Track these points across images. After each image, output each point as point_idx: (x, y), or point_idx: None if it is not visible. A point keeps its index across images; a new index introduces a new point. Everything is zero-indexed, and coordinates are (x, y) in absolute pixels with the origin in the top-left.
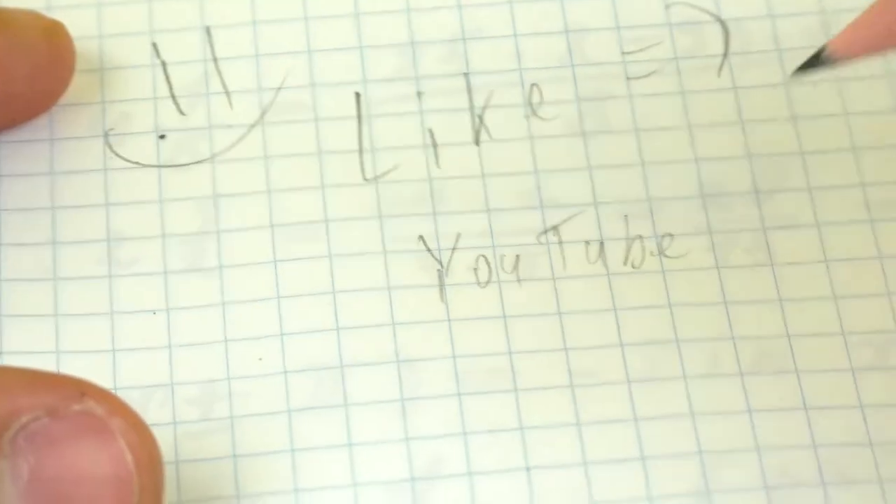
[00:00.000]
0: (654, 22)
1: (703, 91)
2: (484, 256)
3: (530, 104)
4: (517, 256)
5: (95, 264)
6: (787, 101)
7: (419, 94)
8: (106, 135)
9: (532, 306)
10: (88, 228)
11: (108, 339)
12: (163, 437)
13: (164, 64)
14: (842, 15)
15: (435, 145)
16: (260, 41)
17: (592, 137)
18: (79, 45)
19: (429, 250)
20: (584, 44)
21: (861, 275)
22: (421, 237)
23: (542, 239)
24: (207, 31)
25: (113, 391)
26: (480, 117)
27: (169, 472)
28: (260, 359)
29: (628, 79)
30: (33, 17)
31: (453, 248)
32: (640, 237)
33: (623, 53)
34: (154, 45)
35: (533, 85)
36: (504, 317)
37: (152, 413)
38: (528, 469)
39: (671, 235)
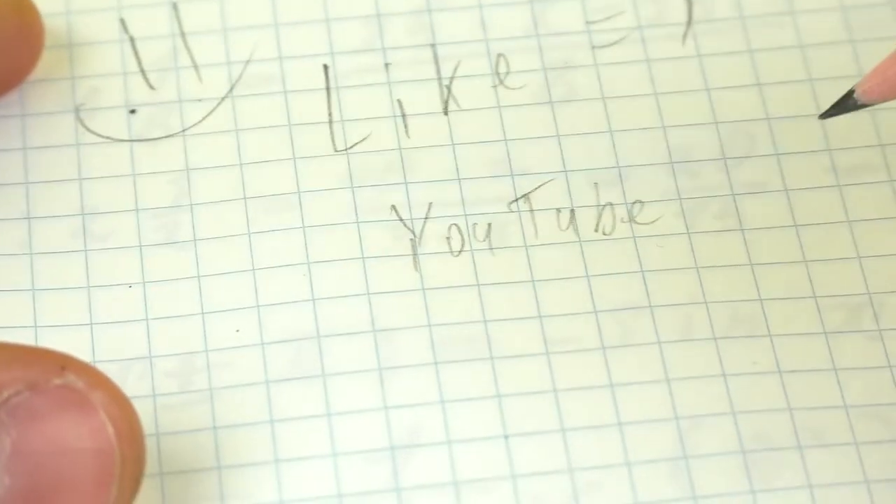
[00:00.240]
0: None
1: (668, 59)
2: (456, 225)
3: (497, 74)
4: (489, 225)
5: (70, 238)
6: (752, 69)
7: (387, 65)
8: (77, 110)
9: (505, 274)
10: (62, 203)
11: (85, 312)
12: (142, 410)
13: (132, 39)
14: None
15: (404, 115)
16: (227, 15)
17: (560, 106)
18: (47, 22)
19: (401, 220)
20: (549, 14)
21: (830, 239)
22: (393, 207)
23: (514, 207)
24: (174, 6)
25: (92, 364)
26: (448, 87)
27: (149, 445)
28: (237, 330)
29: (593, 48)
30: None
31: (425, 218)
32: (611, 204)
33: (587, 23)
34: (122, 21)
35: (499, 55)
36: (478, 285)
37: (131, 386)
38: (506, 437)
39: (641, 202)
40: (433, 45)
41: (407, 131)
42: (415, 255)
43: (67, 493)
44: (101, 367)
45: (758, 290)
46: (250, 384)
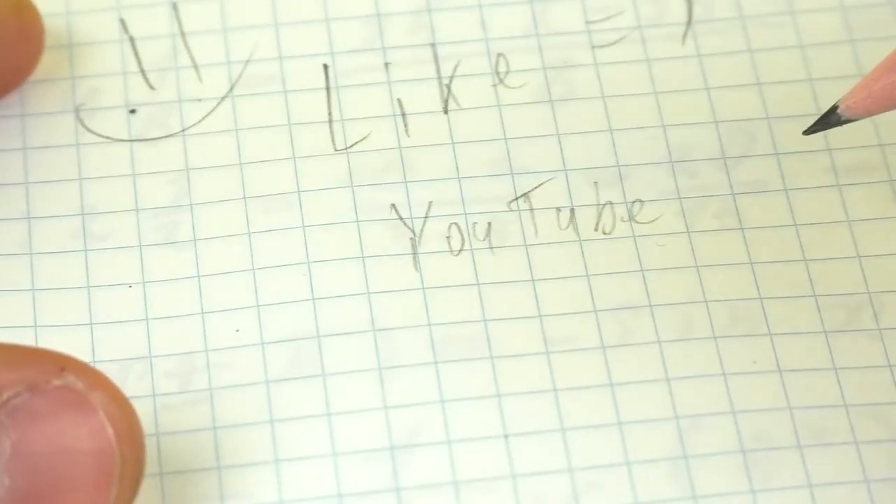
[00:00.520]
0: None
1: (667, 58)
2: (456, 224)
3: (497, 73)
4: (489, 224)
5: (70, 238)
6: (752, 68)
7: (387, 64)
8: (77, 110)
9: (505, 273)
10: (62, 203)
11: (85, 312)
12: (142, 410)
13: (132, 39)
14: None
15: (404, 114)
16: (227, 15)
17: (560, 105)
18: (47, 22)
19: (401, 219)
20: (549, 13)
21: (830, 238)
22: (393, 206)
23: (513, 206)
24: (174, 6)
25: (92, 365)
26: (448, 86)
27: (149, 445)
28: (237, 330)
29: (593, 47)
30: None
31: (425, 217)
32: (611, 203)
33: (587, 23)
34: (122, 21)
35: (499, 55)
36: (478, 284)
37: (131, 386)
38: (506, 436)
39: (641, 201)
40: (433, 45)
41: (407, 130)
42: (414, 254)
43: (67, 493)
44: (100, 368)
45: (758, 289)
46: (250, 384)
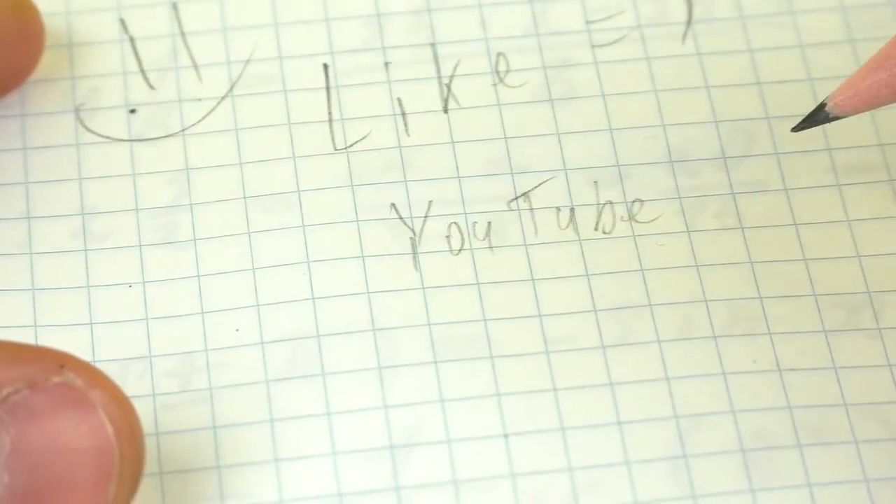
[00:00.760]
0: None
1: (667, 58)
2: (456, 223)
3: (497, 72)
4: (489, 223)
5: (70, 238)
6: (751, 68)
7: (387, 64)
8: (77, 110)
9: (505, 273)
10: (62, 203)
11: (85, 312)
12: (142, 409)
13: (132, 39)
14: None
15: (404, 114)
16: (227, 15)
17: (560, 104)
18: (47, 22)
19: (401, 218)
20: (549, 13)
21: (830, 238)
22: (393, 205)
23: (513, 205)
24: (174, 6)
25: (91, 363)
26: (448, 86)
27: (149, 444)
28: (237, 330)
29: (593, 47)
30: None
31: (425, 216)
32: (611, 202)
33: (587, 22)
34: (122, 21)
35: (499, 54)
36: (478, 284)
37: (131, 385)
38: (505, 436)
39: (641, 201)
40: (433, 45)
41: (407, 130)
42: (414, 253)
43: (66, 491)
44: (100, 367)
45: (757, 288)
46: (250, 383)
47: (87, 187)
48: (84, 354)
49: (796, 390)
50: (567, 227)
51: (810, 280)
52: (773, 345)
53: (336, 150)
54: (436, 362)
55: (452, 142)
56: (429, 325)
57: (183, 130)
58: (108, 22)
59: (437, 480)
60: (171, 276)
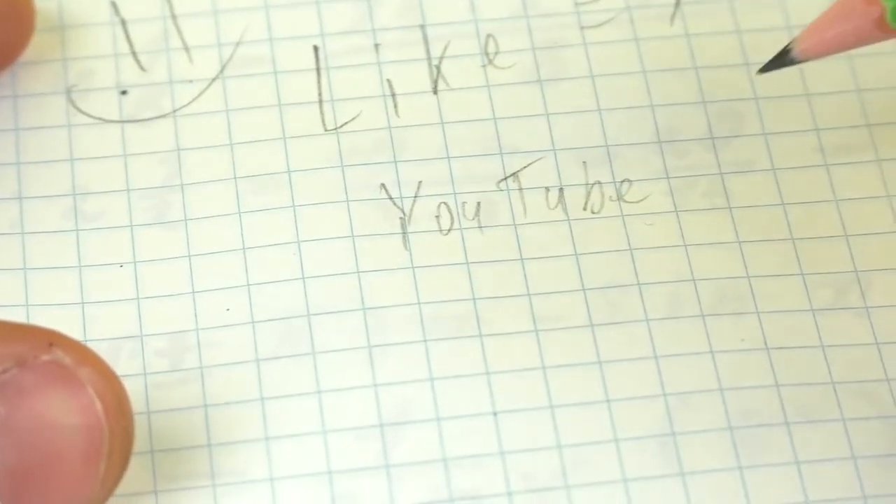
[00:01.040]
0: None
1: (656, 39)
2: (445, 203)
3: (486, 54)
4: (478, 203)
5: (62, 218)
6: (739, 49)
7: (376, 46)
8: (68, 91)
9: (494, 252)
10: (54, 183)
11: (76, 292)
12: (133, 389)
13: (123, 21)
14: None
15: (394, 95)
16: None
17: (549, 85)
18: (39, 4)
19: (391, 198)
20: None
21: (817, 218)
22: (383, 185)
23: (503, 185)
24: None
25: (80, 341)
26: (438, 67)
27: (140, 423)
28: (227, 309)
29: (582, 28)
30: None
31: (415, 196)
32: (599, 183)
33: (576, 4)
34: (113, 3)
35: (489, 36)
36: (467, 263)
37: (122, 365)
38: (495, 414)
39: (629, 181)
40: (423, 26)
41: (397, 111)
42: (404, 233)
43: (56, 468)
44: (92, 346)
45: (745, 267)
46: (241, 362)
47: (79, 168)
48: (75, 334)
49: (784, 368)
50: (556, 207)
51: (798, 259)
52: (760, 323)
53: (326, 130)
54: (425, 341)
55: (442, 122)
56: (418, 304)
57: (174, 111)
58: (99, 4)
59: (426, 458)
60: (162, 256)
